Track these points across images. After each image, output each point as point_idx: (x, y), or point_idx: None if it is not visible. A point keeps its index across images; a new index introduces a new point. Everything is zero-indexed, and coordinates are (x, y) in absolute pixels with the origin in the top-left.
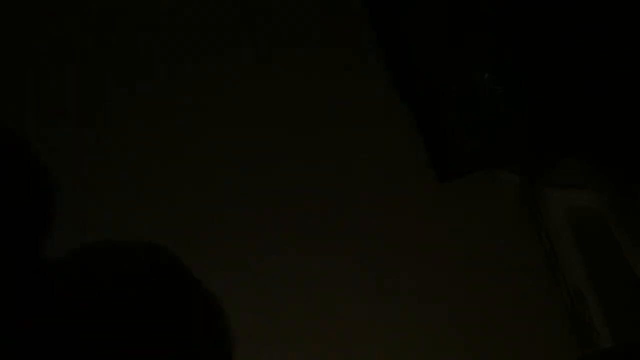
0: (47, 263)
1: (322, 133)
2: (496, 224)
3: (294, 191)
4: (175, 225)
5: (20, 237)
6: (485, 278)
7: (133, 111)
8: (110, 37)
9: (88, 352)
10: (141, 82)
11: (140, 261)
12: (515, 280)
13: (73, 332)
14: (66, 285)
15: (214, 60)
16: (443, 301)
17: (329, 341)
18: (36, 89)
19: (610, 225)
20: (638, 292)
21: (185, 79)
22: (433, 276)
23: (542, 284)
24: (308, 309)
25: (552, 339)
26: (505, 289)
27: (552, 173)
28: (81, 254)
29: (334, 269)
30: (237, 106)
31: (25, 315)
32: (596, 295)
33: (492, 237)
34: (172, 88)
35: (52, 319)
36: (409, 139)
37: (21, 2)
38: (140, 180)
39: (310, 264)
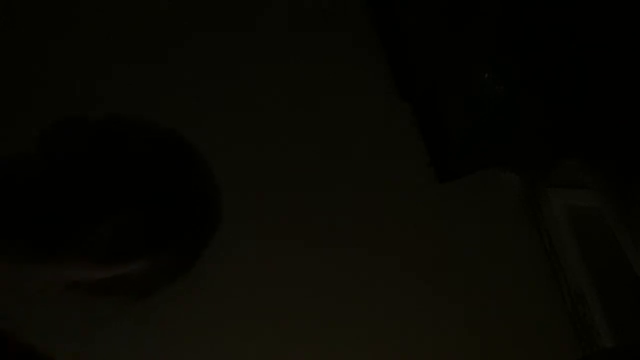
0: None
1: (322, 133)
2: (496, 224)
3: (293, 190)
4: None
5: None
6: (485, 278)
7: (133, 111)
8: (108, 36)
9: None
10: (140, 80)
11: None
12: (515, 281)
13: None
14: None
15: (212, 58)
16: (443, 301)
17: (328, 340)
18: (35, 89)
19: (610, 225)
20: (638, 292)
21: (185, 78)
22: (433, 276)
23: (542, 285)
24: (308, 308)
25: (552, 340)
26: (506, 289)
27: (552, 173)
28: None
29: (332, 269)
30: (236, 106)
31: None
32: (597, 295)
33: (492, 237)
34: (171, 87)
35: None
36: (409, 139)
37: (21, 2)
38: None
39: (310, 264)
